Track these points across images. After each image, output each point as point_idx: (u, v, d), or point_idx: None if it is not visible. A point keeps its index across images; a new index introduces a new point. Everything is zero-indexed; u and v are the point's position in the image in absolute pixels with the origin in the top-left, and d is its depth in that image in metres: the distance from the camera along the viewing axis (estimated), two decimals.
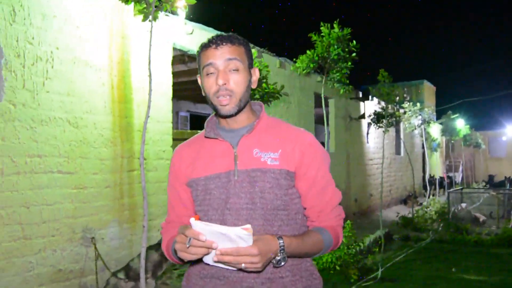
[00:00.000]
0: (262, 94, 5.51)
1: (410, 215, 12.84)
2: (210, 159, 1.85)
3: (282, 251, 1.60)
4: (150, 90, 3.95)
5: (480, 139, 26.34)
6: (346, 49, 7.00)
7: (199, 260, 1.66)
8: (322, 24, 6.98)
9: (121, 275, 4.77)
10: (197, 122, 15.72)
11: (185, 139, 6.65)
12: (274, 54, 9.43)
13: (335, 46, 6.86)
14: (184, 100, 14.79)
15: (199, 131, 7.11)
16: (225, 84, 1.73)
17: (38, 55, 5.00)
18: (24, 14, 4.87)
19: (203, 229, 1.49)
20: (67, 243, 5.23)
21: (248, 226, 1.49)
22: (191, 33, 7.12)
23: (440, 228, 11.46)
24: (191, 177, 1.88)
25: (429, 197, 16.53)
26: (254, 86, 1.87)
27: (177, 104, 14.76)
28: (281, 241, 1.61)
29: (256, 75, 1.87)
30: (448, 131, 19.83)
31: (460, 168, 25.17)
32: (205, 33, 7.51)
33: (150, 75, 3.96)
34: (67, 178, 5.25)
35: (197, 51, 1.84)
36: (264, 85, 5.48)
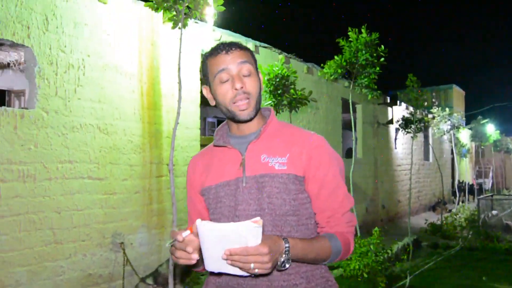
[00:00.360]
0: (290, 100, 5.50)
1: (439, 222, 12.64)
2: (220, 167, 1.84)
3: (286, 252, 1.54)
4: (180, 97, 3.98)
5: (511, 145, 25.84)
6: (374, 54, 6.94)
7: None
8: (350, 29, 6.95)
9: (149, 280, 4.80)
10: None
11: None
12: (302, 59, 9.41)
13: (363, 51, 6.80)
14: (211, 106, 14.87)
15: None
16: (242, 87, 1.69)
17: (70, 62, 5.09)
18: (57, 22, 4.96)
19: (209, 229, 1.44)
20: (97, 248, 5.30)
21: (258, 218, 1.42)
22: (219, 39, 7.16)
23: (470, 236, 11.24)
24: (203, 186, 1.86)
25: (458, 204, 16.26)
26: (261, 89, 1.84)
27: (204, 110, 14.84)
28: (286, 243, 1.55)
29: (261, 79, 1.84)
30: (477, 136, 19.51)
31: (490, 174, 24.72)
32: (233, 39, 7.54)
33: (179, 82, 4.00)
34: (97, 184, 5.32)
35: (202, 61, 1.82)
36: (292, 91, 5.47)
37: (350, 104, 6.82)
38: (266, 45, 8.29)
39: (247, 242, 1.41)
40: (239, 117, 1.73)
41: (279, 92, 5.48)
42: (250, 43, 7.81)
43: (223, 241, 1.43)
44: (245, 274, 1.50)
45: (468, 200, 19.30)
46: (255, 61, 1.81)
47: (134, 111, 5.76)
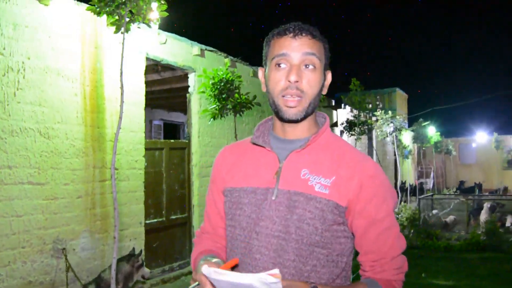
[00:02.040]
0: (234, 104, 5.56)
1: None
2: (250, 169, 1.59)
3: None
4: (122, 101, 3.97)
5: (450, 146, 26.85)
6: None
7: None
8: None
9: (92, 286, 4.75)
10: (170, 130, 15.70)
11: (158, 149, 6.63)
12: (248, 63, 9.49)
13: None
14: (157, 109, 14.75)
15: (171, 140, 7.08)
16: (297, 82, 1.45)
17: (10, 65, 4.96)
18: None
19: (217, 280, 1.24)
20: (37, 254, 5.19)
21: (276, 271, 1.18)
22: (165, 43, 7.14)
23: (411, 234, 11.61)
24: (227, 185, 1.63)
25: (400, 203, 16.74)
26: (324, 92, 1.58)
27: (150, 113, 14.71)
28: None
29: (328, 79, 1.59)
30: (419, 138, 20.17)
31: (432, 175, 25.56)
32: (178, 42, 7.54)
33: (122, 87, 3.98)
34: (38, 189, 5.21)
35: (266, 38, 1.57)
36: (236, 95, 5.53)
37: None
38: (212, 48, 8.32)
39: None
40: (284, 114, 1.50)
41: (223, 96, 5.53)
42: (195, 47, 7.82)
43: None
44: None
45: (410, 200, 19.89)
46: (328, 56, 1.55)
47: (76, 114, 5.67)
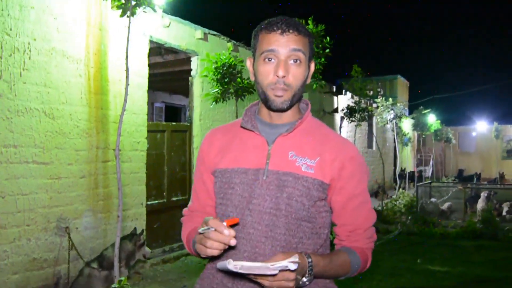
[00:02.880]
0: (236, 88, 5.64)
1: (379, 208, 13.12)
2: (240, 151, 1.70)
3: (310, 271, 1.45)
4: (127, 84, 4.05)
5: (450, 134, 26.87)
6: (320, 45, 7.14)
7: (215, 259, 1.61)
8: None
9: (94, 264, 4.87)
10: (172, 113, 15.77)
11: (160, 131, 6.74)
12: (250, 48, 9.53)
13: None
14: (159, 91, 14.80)
15: (173, 123, 7.19)
16: (284, 76, 1.57)
17: (16, 46, 5.04)
18: (2, 5, 4.90)
19: (246, 267, 1.31)
20: (41, 232, 5.31)
21: (296, 258, 1.32)
22: (168, 26, 7.19)
23: (408, 221, 11.74)
24: (217, 166, 1.73)
25: (398, 190, 16.88)
26: (308, 81, 1.71)
27: (152, 95, 14.75)
28: (310, 260, 1.46)
29: (312, 69, 1.70)
30: (419, 126, 20.22)
31: (431, 162, 25.63)
32: (182, 26, 7.59)
33: (127, 70, 4.06)
34: (43, 168, 5.31)
35: (255, 31, 1.67)
36: (238, 79, 5.60)
37: None
38: (215, 32, 8.37)
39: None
40: (272, 103, 1.61)
41: (225, 80, 5.61)
42: (199, 30, 7.88)
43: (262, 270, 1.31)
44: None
45: (409, 187, 20.02)
46: (312, 49, 1.68)
47: (81, 95, 5.76)
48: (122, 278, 3.34)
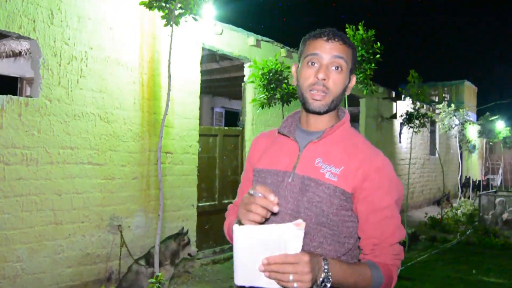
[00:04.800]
0: (282, 94, 5.76)
1: (439, 216, 12.82)
2: (276, 154, 1.80)
3: (325, 270, 1.41)
4: (169, 90, 4.27)
5: None
6: (370, 51, 7.13)
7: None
8: (347, 26, 7.14)
9: (142, 261, 5.11)
10: (231, 118, 16.08)
11: (212, 135, 6.96)
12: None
13: (359, 48, 7.00)
14: (219, 96, 15.14)
15: (225, 127, 7.43)
16: (324, 79, 1.65)
17: (73, 54, 5.40)
18: (61, 16, 5.27)
19: (247, 234, 1.35)
20: (95, 229, 5.64)
21: (300, 220, 1.33)
22: (221, 33, 7.41)
23: (469, 231, 11.42)
24: (256, 166, 1.86)
25: (459, 199, 16.38)
26: (347, 93, 1.80)
27: (212, 100, 15.12)
28: (325, 260, 1.43)
29: (353, 82, 1.78)
30: (485, 132, 19.53)
31: (500, 171, 24.67)
32: (235, 33, 7.80)
33: (169, 77, 4.28)
34: (97, 169, 5.65)
35: (303, 38, 1.76)
36: (284, 85, 5.72)
37: (346, 98, 7.04)
38: (268, 39, 8.52)
39: (286, 248, 1.32)
40: (310, 105, 1.69)
41: (272, 86, 5.74)
42: (251, 37, 8.06)
43: (260, 249, 1.33)
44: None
45: (474, 196, 19.36)
46: (354, 62, 1.76)
47: (134, 101, 6.07)
48: (159, 274, 3.54)
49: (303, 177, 1.68)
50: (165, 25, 4.46)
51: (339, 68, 1.67)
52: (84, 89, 5.50)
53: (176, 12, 4.31)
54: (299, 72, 1.73)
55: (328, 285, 1.41)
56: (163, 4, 4.23)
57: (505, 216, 12.44)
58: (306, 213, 1.65)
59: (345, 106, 7.74)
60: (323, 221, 1.64)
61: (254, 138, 1.99)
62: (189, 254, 5.43)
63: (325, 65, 1.66)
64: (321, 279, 1.40)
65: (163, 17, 4.44)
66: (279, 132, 1.85)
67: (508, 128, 22.17)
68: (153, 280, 3.45)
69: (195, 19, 4.43)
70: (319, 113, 1.71)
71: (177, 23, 4.42)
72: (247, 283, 1.38)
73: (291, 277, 1.31)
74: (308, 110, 1.72)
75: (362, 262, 1.66)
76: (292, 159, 1.74)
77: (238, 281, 1.39)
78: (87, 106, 5.53)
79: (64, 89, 5.31)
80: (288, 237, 1.31)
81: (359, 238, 1.70)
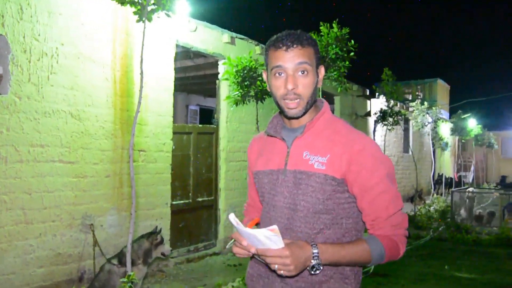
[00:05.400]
0: (256, 91, 5.74)
1: (412, 213, 12.96)
2: (269, 155, 1.93)
3: (315, 257, 1.60)
4: (141, 87, 4.22)
5: (493, 139, 26.14)
6: (344, 49, 7.16)
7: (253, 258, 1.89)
8: (321, 23, 7.15)
9: (114, 261, 5.05)
10: (206, 116, 16.01)
11: (186, 133, 6.91)
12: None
13: (333, 46, 7.01)
14: (194, 94, 15.05)
15: (199, 125, 7.37)
16: (293, 89, 1.73)
17: (44, 50, 5.29)
18: (31, 11, 5.16)
19: (239, 229, 1.59)
20: (66, 228, 5.54)
21: (274, 227, 1.52)
22: (195, 30, 7.36)
23: (441, 227, 11.55)
24: (255, 168, 1.99)
25: (432, 196, 16.59)
26: (319, 85, 1.85)
27: (187, 98, 15.03)
28: (315, 248, 1.61)
29: (322, 73, 1.85)
30: (457, 130, 19.79)
31: (472, 168, 25.06)
32: (209, 30, 7.75)
33: (141, 73, 4.24)
34: (68, 167, 5.55)
35: (265, 47, 1.85)
36: (258, 82, 5.71)
37: (320, 95, 7.06)
38: (242, 36, 8.50)
39: (271, 244, 1.55)
40: (287, 113, 1.80)
41: (246, 83, 5.72)
42: (226, 34, 8.02)
43: (255, 240, 1.57)
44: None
45: (446, 192, 19.63)
46: (318, 57, 1.82)
47: (106, 98, 5.98)
48: (131, 273, 3.49)
49: (295, 171, 1.79)
50: (138, 21, 4.40)
51: (305, 72, 1.75)
52: (55, 86, 5.40)
53: (149, 8, 4.26)
54: (269, 82, 1.83)
55: (319, 270, 1.61)
56: (136, 0, 4.17)
57: (476, 212, 12.64)
58: (302, 204, 1.77)
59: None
60: (320, 208, 1.75)
61: (250, 143, 2.12)
62: (162, 254, 5.38)
63: (291, 74, 1.74)
64: (311, 265, 1.60)
65: (135, 13, 4.38)
66: (265, 134, 1.98)
67: (479, 126, 22.51)
68: (125, 280, 3.40)
69: (168, 15, 4.38)
70: (297, 118, 1.82)
71: (149, 19, 4.37)
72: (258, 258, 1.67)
73: (276, 266, 1.55)
74: (287, 117, 1.84)
75: (360, 238, 1.78)
76: (282, 157, 1.86)
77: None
78: (58, 103, 5.43)
79: (34, 86, 5.20)
80: (268, 239, 1.53)
81: (355, 214, 1.82)
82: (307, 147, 1.81)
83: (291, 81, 1.73)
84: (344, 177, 1.74)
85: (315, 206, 1.75)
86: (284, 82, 1.74)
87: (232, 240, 1.67)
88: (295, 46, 1.73)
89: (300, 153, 1.81)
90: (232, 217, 1.56)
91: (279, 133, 1.91)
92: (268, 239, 1.53)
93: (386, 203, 1.75)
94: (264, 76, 1.90)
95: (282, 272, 1.55)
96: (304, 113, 1.80)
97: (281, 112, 1.85)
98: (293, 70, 1.73)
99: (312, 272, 1.61)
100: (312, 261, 1.59)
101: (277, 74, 1.76)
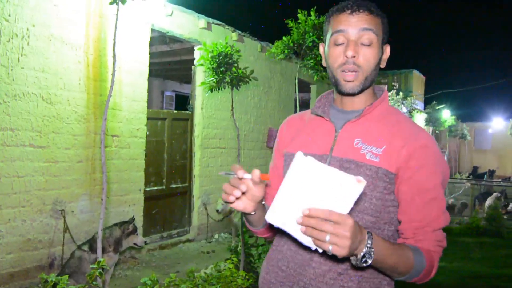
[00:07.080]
0: (231, 77, 5.67)
1: None
2: (310, 137, 1.68)
3: (368, 245, 1.28)
4: (114, 71, 4.14)
5: (466, 131, 26.58)
6: (321, 37, 7.14)
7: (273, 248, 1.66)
8: (299, 11, 7.11)
9: (85, 247, 4.98)
10: (182, 102, 15.90)
11: (161, 119, 6.83)
12: (256, 38, 9.56)
13: (311, 33, 6.97)
14: (170, 80, 14.92)
15: (174, 111, 7.29)
16: (354, 57, 1.52)
17: (14, 31, 5.15)
18: None
19: (311, 165, 1.22)
20: (37, 214, 5.44)
21: (361, 178, 1.20)
22: (171, 15, 7.26)
23: None
24: (287, 150, 1.72)
25: None
26: (383, 65, 1.64)
27: (163, 84, 14.89)
28: (369, 233, 1.30)
29: (387, 53, 1.64)
30: (431, 121, 20.05)
31: (445, 159, 25.40)
32: (185, 15, 7.65)
33: (114, 56, 4.16)
34: (39, 152, 5.44)
35: (326, 15, 1.64)
36: (234, 69, 5.64)
37: (296, 84, 7.03)
38: (219, 22, 8.41)
39: (336, 201, 1.21)
40: (342, 87, 1.57)
41: (221, 69, 5.65)
42: (202, 20, 7.93)
43: (312, 190, 1.21)
44: (311, 246, 1.25)
45: None
46: (386, 31, 1.61)
47: (79, 81, 5.86)
48: (101, 259, 3.43)
49: (342, 160, 1.55)
50: (111, 3, 4.31)
51: (370, 42, 1.54)
52: (26, 68, 5.27)
53: None
54: (326, 52, 1.61)
55: (369, 261, 1.29)
56: None
57: (449, 202, 12.85)
58: None
59: (295, 92, 7.74)
60: (365, 207, 1.51)
61: (284, 121, 1.85)
62: (135, 244, 5.31)
63: (353, 40, 1.53)
64: (362, 253, 1.27)
65: None
66: (312, 113, 1.73)
67: (453, 117, 22.85)
68: (95, 266, 3.35)
69: None
70: (353, 94, 1.60)
71: (123, 1, 4.28)
72: (278, 224, 1.26)
73: (328, 237, 1.18)
74: (341, 92, 1.61)
75: (404, 244, 1.50)
76: (328, 141, 1.62)
77: (270, 218, 1.26)
78: (28, 86, 5.30)
79: (4, 68, 5.06)
80: (345, 190, 1.19)
81: (399, 222, 1.56)
82: (361, 134, 1.57)
83: (352, 48, 1.51)
84: (398, 173, 1.51)
85: (360, 203, 1.50)
86: (344, 49, 1.53)
87: (230, 172, 1.39)
88: (361, 10, 1.54)
89: (351, 139, 1.57)
90: (300, 154, 1.23)
91: (327, 113, 1.67)
92: (347, 190, 1.19)
93: (438, 212, 1.52)
94: (321, 49, 1.67)
95: (331, 247, 1.19)
96: (361, 91, 1.58)
97: (336, 87, 1.61)
98: (356, 36, 1.53)
99: (362, 263, 1.29)
100: (365, 248, 1.27)
101: (336, 41, 1.54)
